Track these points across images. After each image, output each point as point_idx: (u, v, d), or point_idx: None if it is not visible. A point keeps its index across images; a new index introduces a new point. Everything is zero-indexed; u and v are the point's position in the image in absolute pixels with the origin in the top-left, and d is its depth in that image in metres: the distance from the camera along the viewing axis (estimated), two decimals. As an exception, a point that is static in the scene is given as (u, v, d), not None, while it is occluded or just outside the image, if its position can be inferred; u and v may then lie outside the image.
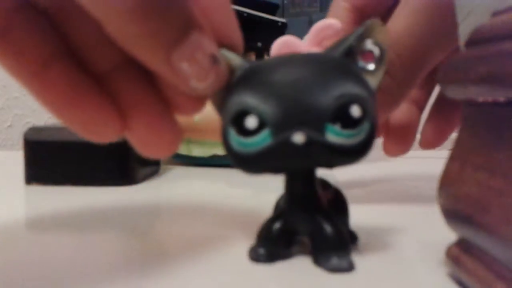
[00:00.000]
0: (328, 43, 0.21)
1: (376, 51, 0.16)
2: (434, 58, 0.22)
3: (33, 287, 0.15)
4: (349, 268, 0.16)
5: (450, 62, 0.15)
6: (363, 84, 0.16)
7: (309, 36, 0.22)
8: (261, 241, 0.17)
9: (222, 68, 0.15)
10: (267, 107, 0.15)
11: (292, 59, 0.16)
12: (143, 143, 0.16)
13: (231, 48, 0.16)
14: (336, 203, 0.19)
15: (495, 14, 0.14)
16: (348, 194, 0.20)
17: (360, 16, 0.25)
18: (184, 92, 0.15)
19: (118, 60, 0.15)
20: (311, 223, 0.17)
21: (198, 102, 0.16)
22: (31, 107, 0.73)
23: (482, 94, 0.13)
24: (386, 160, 0.47)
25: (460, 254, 0.14)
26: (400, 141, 0.26)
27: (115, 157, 0.32)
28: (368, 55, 0.16)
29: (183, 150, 0.42)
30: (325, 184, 0.19)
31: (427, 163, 0.46)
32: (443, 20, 0.21)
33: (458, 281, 0.15)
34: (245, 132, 0.15)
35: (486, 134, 0.13)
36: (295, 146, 0.14)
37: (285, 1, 0.47)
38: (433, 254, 0.17)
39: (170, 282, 0.15)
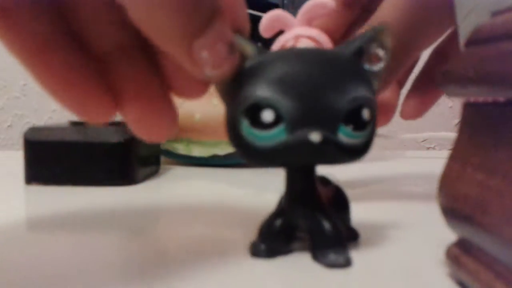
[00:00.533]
0: (319, 21, 0.21)
1: (382, 54, 0.17)
2: (421, 46, 0.23)
3: (33, 287, 0.15)
4: (346, 263, 0.16)
5: (450, 62, 0.15)
6: (371, 86, 0.16)
7: (300, 13, 0.22)
8: (262, 237, 0.18)
9: (237, 56, 0.15)
10: (286, 103, 0.15)
11: (307, 54, 0.16)
12: (139, 125, 0.16)
13: (239, 32, 0.16)
14: (336, 200, 0.19)
15: (495, 14, 0.14)
16: (348, 193, 0.20)
17: None
18: (189, 76, 0.15)
19: (119, 40, 0.15)
20: (310, 220, 0.17)
21: (202, 86, 0.16)
22: (31, 107, 0.73)
23: (482, 94, 0.13)
24: (386, 160, 0.47)
25: (460, 254, 0.14)
26: (382, 113, 0.27)
27: (115, 157, 0.32)
28: (374, 57, 0.17)
29: (183, 150, 0.42)
30: (325, 181, 0.19)
31: (427, 163, 0.46)
32: (429, 9, 0.21)
33: (458, 281, 0.15)
34: (259, 124, 0.15)
35: (486, 134, 0.13)
36: (310, 144, 0.15)
37: (285, 1, 0.47)
38: (433, 254, 0.17)
39: (170, 282, 0.15)
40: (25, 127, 0.34)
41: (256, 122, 0.15)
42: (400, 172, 0.40)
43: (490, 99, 0.13)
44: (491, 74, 0.12)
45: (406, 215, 0.25)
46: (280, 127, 0.15)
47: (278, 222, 0.18)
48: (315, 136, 0.15)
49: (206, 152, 0.41)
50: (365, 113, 0.15)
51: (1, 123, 0.74)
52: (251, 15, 0.46)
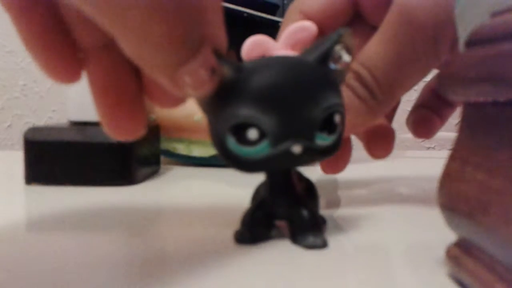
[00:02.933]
0: (302, 45, 0.22)
1: (345, 54, 0.18)
2: (409, 82, 0.23)
3: (33, 287, 0.15)
4: (323, 245, 0.18)
5: (450, 63, 0.15)
6: (338, 89, 0.18)
7: (283, 38, 0.22)
8: (246, 225, 0.20)
9: (216, 78, 0.15)
10: (268, 120, 0.16)
11: (281, 67, 0.17)
12: (104, 117, 0.16)
13: (217, 52, 0.16)
14: (308, 192, 0.21)
15: (495, 14, 0.14)
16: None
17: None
18: (166, 90, 0.15)
19: (103, 39, 0.16)
20: (290, 209, 0.19)
21: (178, 99, 0.17)
22: (31, 107, 0.73)
23: (482, 94, 0.13)
24: (386, 160, 0.47)
25: (460, 254, 0.14)
26: (384, 143, 0.28)
27: (115, 157, 0.32)
28: (337, 58, 0.18)
29: (183, 150, 0.42)
30: (299, 176, 0.21)
31: (427, 163, 0.46)
32: (414, 49, 0.22)
33: (458, 281, 0.15)
34: (244, 141, 0.17)
35: (486, 134, 0.13)
36: (292, 155, 0.17)
37: (285, 1, 0.47)
38: (433, 254, 0.17)
39: (170, 281, 0.15)
40: (25, 127, 0.34)
41: (242, 139, 0.17)
42: (400, 172, 0.40)
43: (490, 99, 0.13)
44: (491, 75, 0.12)
45: (406, 215, 0.25)
46: (264, 143, 0.17)
47: (260, 212, 0.20)
48: (296, 148, 0.17)
49: (206, 152, 0.41)
50: (337, 118, 0.17)
51: (1, 123, 0.74)
52: (251, 15, 0.46)
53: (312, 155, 0.17)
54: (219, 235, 0.20)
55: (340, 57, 0.18)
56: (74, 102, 0.34)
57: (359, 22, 0.26)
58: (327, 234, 0.21)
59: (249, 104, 0.16)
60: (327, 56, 0.17)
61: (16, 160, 0.36)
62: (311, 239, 0.18)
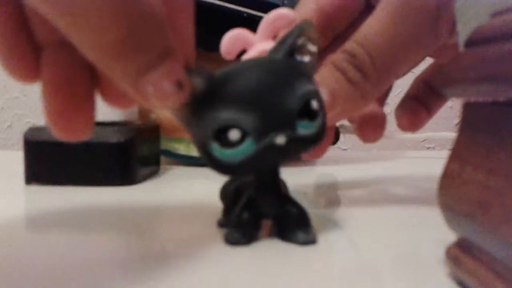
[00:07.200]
0: (282, 34, 0.22)
1: (310, 46, 0.18)
2: (406, 62, 0.23)
3: (33, 287, 0.15)
4: (314, 240, 0.19)
5: (450, 62, 0.15)
6: (310, 78, 0.18)
7: (260, 29, 0.22)
8: (236, 226, 0.20)
9: (185, 91, 0.15)
10: (247, 119, 0.17)
11: (253, 68, 0.18)
12: (51, 113, 0.16)
13: (187, 65, 0.16)
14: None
15: (495, 14, 0.14)
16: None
17: (327, 19, 0.25)
18: (121, 91, 0.15)
19: (57, 38, 0.16)
20: (278, 207, 0.20)
21: (133, 101, 0.17)
22: (31, 107, 0.73)
23: (482, 94, 0.13)
24: (386, 160, 0.47)
25: (460, 254, 0.14)
26: (374, 126, 0.28)
27: (115, 157, 0.32)
28: (303, 50, 0.18)
29: (183, 150, 0.42)
30: None
31: (427, 163, 0.46)
32: (414, 27, 0.22)
33: (458, 281, 0.15)
34: (228, 144, 0.17)
35: (486, 134, 0.13)
36: (277, 147, 0.17)
37: (285, 1, 0.47)
38: (433, 254, 0.17)
39: (170, 281, 0.15)
40: (25, 127, 0.34)
41: (225, 142, 0.17)
42: (400, 172, 0.40)
43: (490, 99, 0.13)
44: (491, 75, 0.12)
45: (406, 215, 0.25)
46: (248, 141, 0.17)
47: (249, 211, 0.20)
48: (280, 139, 0.17)
49: (206, 152, 0.41)
50: (314, 104, 0.17)
51: (1, 123, 0.74)
52: (251, 15, 0.46)
53: (297, 144, 0.17)
54: (219, 235, 0.20)
55: (306, 49, 0.18)
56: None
57: (372, 10, 0.26)
58: (327, 233, 0.21)
59: (226, 107, 0.16)
60: (292, 50, 0.18)
61: (16, 160, 0.36)
62: (301, 236, 0.19)
